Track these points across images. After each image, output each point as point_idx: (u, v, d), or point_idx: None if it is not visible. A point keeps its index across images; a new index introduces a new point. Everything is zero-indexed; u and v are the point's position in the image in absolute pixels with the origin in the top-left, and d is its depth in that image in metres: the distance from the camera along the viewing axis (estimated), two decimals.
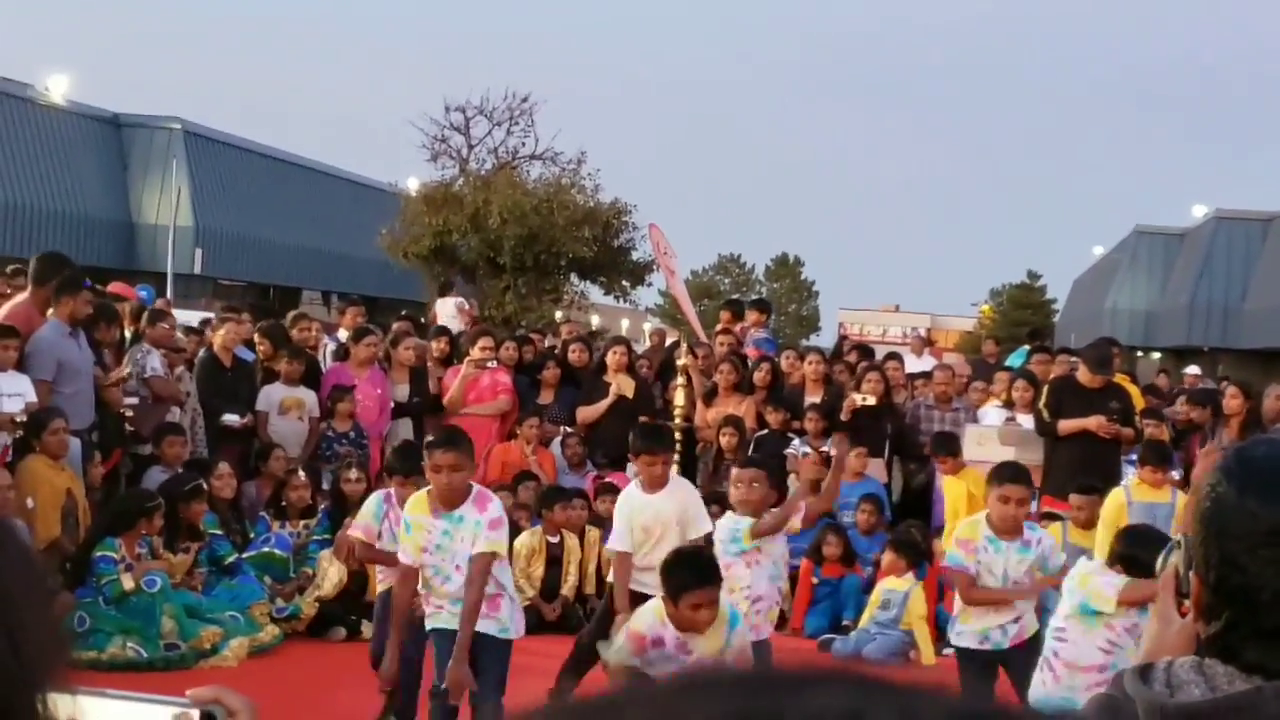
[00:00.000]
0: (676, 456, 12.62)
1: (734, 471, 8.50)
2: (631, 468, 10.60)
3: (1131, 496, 10.59)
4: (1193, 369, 21.99)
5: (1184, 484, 11.44)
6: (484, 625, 7.04)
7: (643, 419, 11.69)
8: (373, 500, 8.46)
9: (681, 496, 8.35)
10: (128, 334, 12.59)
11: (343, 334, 15.02)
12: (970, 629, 7.82)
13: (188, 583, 10.28)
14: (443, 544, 7.05)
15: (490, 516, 7.05)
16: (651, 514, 8.19)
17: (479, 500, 7.10)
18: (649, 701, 0.85)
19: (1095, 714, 2.04)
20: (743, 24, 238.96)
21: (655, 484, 8.29)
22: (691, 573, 6.77)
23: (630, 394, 13.94)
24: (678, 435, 13.11)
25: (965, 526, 8.09)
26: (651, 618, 6.74)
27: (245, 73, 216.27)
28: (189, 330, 14.22)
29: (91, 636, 9.35)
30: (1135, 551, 6.43)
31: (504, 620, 7.20)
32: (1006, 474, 8.00)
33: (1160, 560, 2.35)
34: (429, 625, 7.26)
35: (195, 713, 1.80)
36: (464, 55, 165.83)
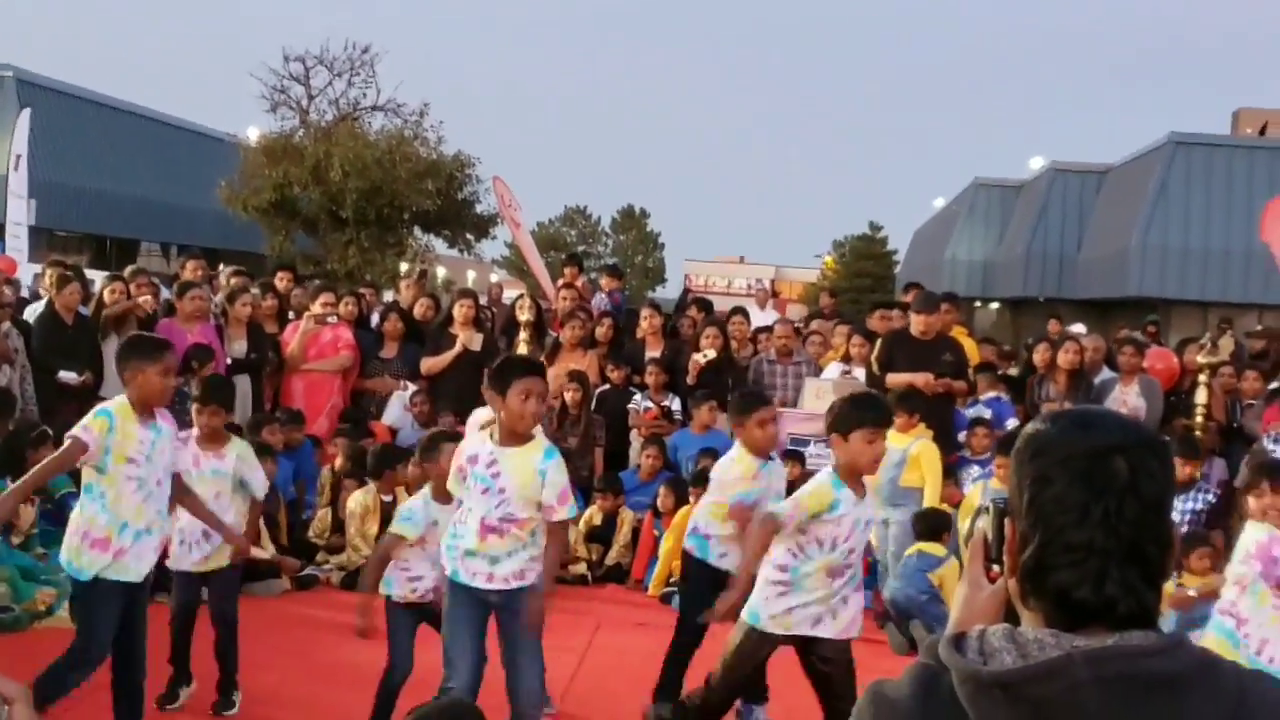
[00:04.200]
0: None
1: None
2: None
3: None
4: (1078, 327, 22.28)
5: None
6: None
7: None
8: None
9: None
10: None
11: None
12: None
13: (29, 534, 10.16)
14: (150, 455, 6.73)
15: (174, 429, 6.97)
16: None
17: (160, 413, 6.86)
18: None
19: (910, 683, 2.07)
20: None
21: None
22: (519, 362, 6.92)
23: (477, 347, 13.90)
24: None
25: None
26: (478, 436, 6.68)
27: (79, 20, 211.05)
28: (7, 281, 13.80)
29: None
30: None
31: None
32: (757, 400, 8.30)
33: (967, 525, 2.42)
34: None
35: None
36: (302, 3, 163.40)
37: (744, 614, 6.98)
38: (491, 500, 6.50)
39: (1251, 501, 7.48)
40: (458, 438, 7.56)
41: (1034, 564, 2.07)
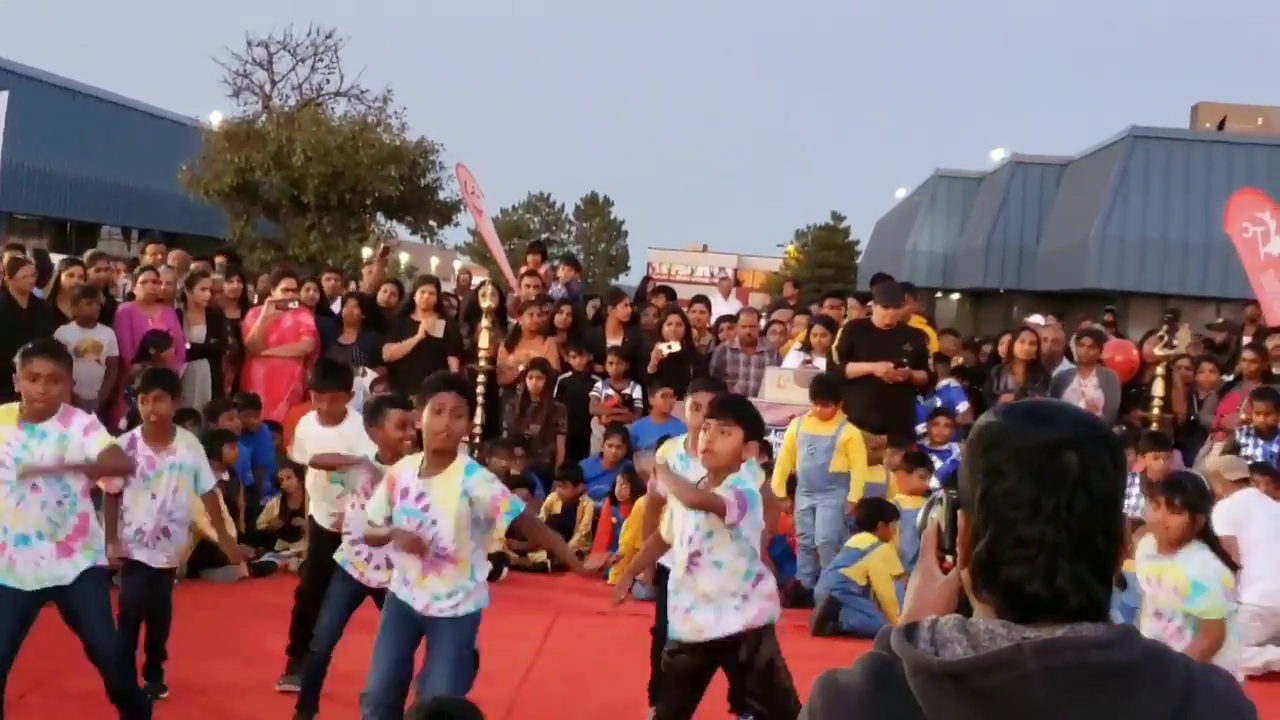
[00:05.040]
0: (480, 398, 12.72)
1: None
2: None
3: (800, 427, 11.50)
4: (1037, 318, 22.26)
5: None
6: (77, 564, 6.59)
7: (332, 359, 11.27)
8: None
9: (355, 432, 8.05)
10: None
11: None
12: None
13: None
14: (20, 456, 6.44)
15: (83, 424, 6.61)
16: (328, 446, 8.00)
17: (65, 416, 6.59)
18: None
19: (862, 673, 2.07)
20: None
21: (331, 419, 8.15)
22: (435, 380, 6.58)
23: (439, 334, 13.89)
24: (481, 377, 13.15)
25: (665, 446, 7.98)
26: (408, 466, 6.35)
27: (39, 1, 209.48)
28: None
29: None
30: None
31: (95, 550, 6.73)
32: (700, 384, 8.14)
33: (921, 516, 2.43)
34: None
35: None
36: None
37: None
38: (426, 535, 6.19)
39: None
40: (403, 403, 7.53)
41: (986, 557, 2.07)
